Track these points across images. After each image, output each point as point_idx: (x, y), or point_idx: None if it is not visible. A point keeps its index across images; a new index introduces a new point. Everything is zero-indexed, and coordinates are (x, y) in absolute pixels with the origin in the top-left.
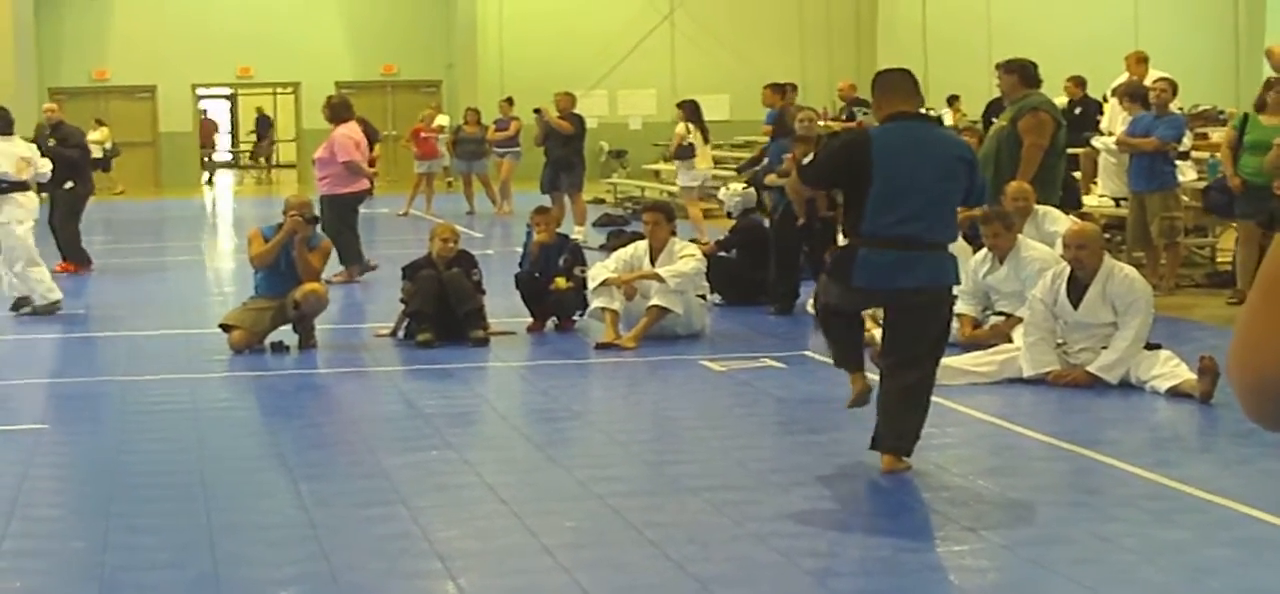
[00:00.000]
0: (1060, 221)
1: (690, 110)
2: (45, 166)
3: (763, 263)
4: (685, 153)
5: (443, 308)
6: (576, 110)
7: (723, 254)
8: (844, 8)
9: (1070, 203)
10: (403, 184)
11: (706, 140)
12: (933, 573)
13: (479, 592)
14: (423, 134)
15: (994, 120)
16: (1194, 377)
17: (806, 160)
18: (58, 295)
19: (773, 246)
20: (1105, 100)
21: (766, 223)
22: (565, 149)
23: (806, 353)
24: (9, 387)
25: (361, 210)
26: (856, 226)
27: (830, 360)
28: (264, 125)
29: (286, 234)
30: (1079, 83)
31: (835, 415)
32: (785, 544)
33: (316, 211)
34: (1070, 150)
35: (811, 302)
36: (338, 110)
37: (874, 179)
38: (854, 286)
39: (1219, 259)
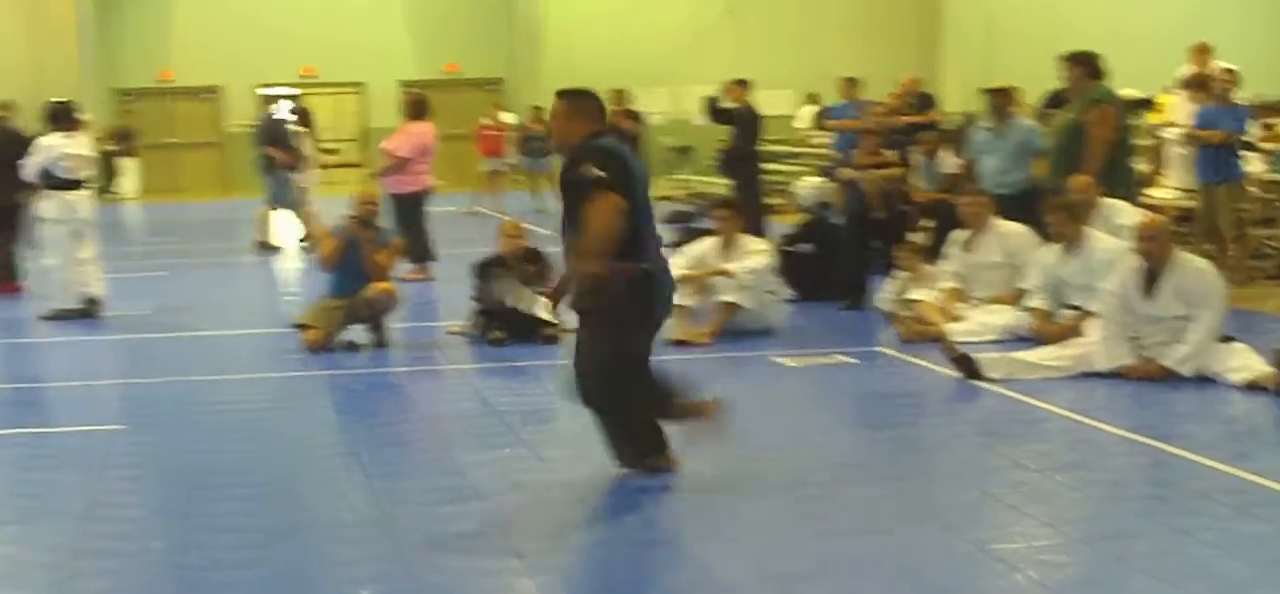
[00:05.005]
0: (1128, 215)
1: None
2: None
3: (836, 258)
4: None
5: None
6: (635, 107)
7: (796, 248)
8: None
9: None
10: (467, 182)
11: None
12: (1011, 568)
13: (556, 589)
14: (487, 131)
15: (1049, 110)
16: (1270, 369)
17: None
18: (84, 301)
19: (844, 241)
20: (1166, 93)
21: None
22: (629, 146)
23: (878, 348)
24: (85, 388)
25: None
26: (639, 248)
27: (651, 448)
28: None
29: (345, 236)
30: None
31: (909, 410)
32: (866, 540)
33: (378, 211)
34: None
35: (885, 300)
36: (416, 107)
37: (636, 196)
38: (655, 317)
39: None
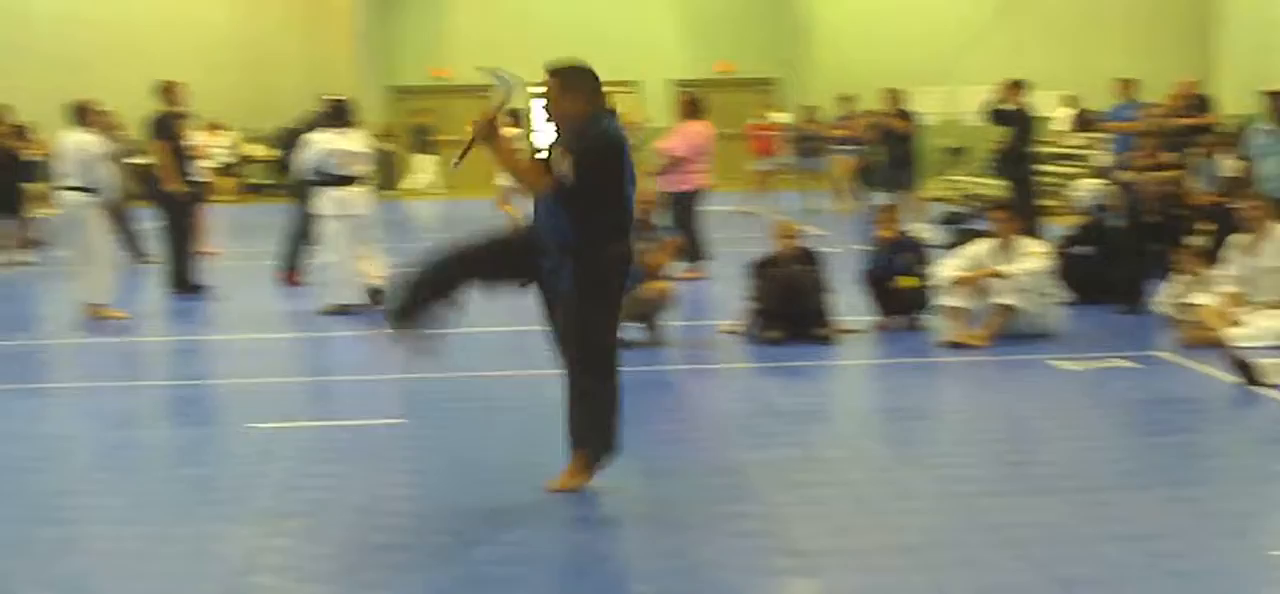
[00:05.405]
0: None
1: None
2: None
3: (1114, 260)
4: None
5: (790, 305)
6: (906, 107)
7: (1074, 250)
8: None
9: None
10: (738, 182)
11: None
12: None
13: (838, 590)
14: (759, 131)
15: None
16: None
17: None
18: (367, 294)
19: (1122, 244)
20: None
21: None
22: (901, 147)
23: (1157, 353)
24: (367, 382)
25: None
26: (612, 225)
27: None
28: None
29: None
30: None
31: (1190, 416)
32: (1147, 546)
33: (655, 209)
34: None
35: (1164, 303)
36: (691, 106)
37: (625, 188)
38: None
39: None
